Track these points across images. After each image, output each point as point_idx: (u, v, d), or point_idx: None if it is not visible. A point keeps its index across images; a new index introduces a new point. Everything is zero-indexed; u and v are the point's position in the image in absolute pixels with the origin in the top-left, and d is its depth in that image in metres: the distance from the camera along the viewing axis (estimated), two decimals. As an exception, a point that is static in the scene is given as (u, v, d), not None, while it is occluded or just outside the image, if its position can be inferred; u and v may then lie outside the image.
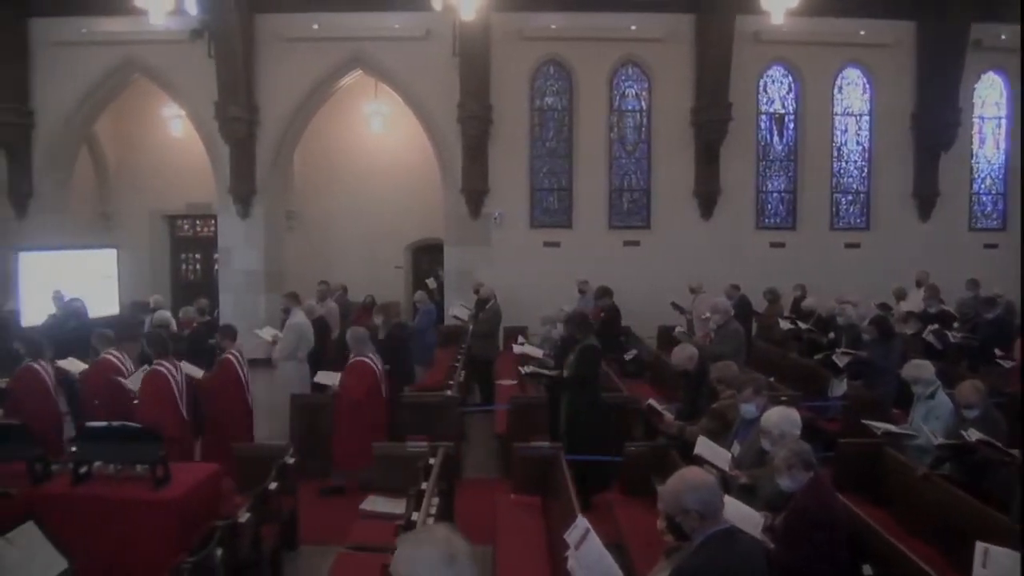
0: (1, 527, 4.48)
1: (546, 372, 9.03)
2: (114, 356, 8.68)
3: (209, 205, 17.63)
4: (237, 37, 15.21)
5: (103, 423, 6.76)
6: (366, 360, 8.78)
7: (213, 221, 17.89)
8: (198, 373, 8.86)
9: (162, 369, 7.85)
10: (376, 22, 15.62)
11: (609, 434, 8.14)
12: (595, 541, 4.28)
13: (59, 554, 4.48)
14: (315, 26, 15.69)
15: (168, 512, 5.99)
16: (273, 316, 14.59)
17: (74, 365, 9.33)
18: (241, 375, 8.98)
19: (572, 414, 8.12)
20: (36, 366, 8.41)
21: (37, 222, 16.39)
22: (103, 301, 14.95)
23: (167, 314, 11.32)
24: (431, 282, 16.85)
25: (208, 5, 14.82)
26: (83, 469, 6.23)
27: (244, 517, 5.69)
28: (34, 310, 13.59)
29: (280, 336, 10.84)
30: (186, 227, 20.73)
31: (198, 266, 20.77)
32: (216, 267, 18.12)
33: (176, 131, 18.99)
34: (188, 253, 20.85)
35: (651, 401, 7.92)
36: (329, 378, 9.08)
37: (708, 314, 10.20)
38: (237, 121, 15.53)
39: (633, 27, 15.71)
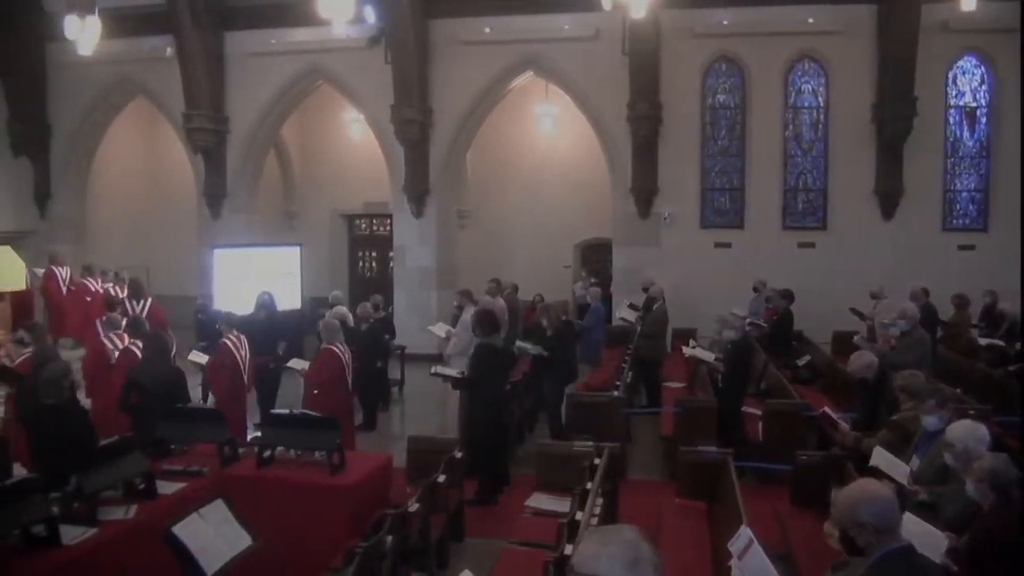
0: (195, 503, 4.83)
1: (448, 372, 9.21)
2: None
3: (385, 205, 18.32)
4: (412, 43, 15.76)
5: (285, 411, 7.21)
6: (334, 349, 9.19)
7: (389, 220, 18.57)
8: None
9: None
10: (546, 24, 15.77)
11: (505, 434, 8.38)
12: (759, 552, 4.19)
13: (244, 531, 4.78)
14: (487, 30, 16.02)
15: (342, 498, 6.31)
16: (444, 312, 15.01)
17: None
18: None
19: (469, 414, 8.44)
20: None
21: (230, 221, 17.59)
22: (287, 296, 15.80)
23: (344, 309, 11.83)
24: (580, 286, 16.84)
25: (385, 13, 15.48)
26: (267, 453, 6.66)
27: (414, 507, 5.91)
28: (225, 302, 14.54)
29: (453, 332, 11.13)
30: (363, 226, 21.68)
31: (374, 263, 21.68)
32: (391, 264, 18.81)
33: (355, 134, 19.96)
34: (365, 251, 21.80)
35: (826, 409, 7.64)
36: (299, 364, 9.70)
37: (891, 320, 9.75)
38: (412, 123, 16.07)
39: (810, 20, 15.14)
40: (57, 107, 18.23)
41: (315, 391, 9.03)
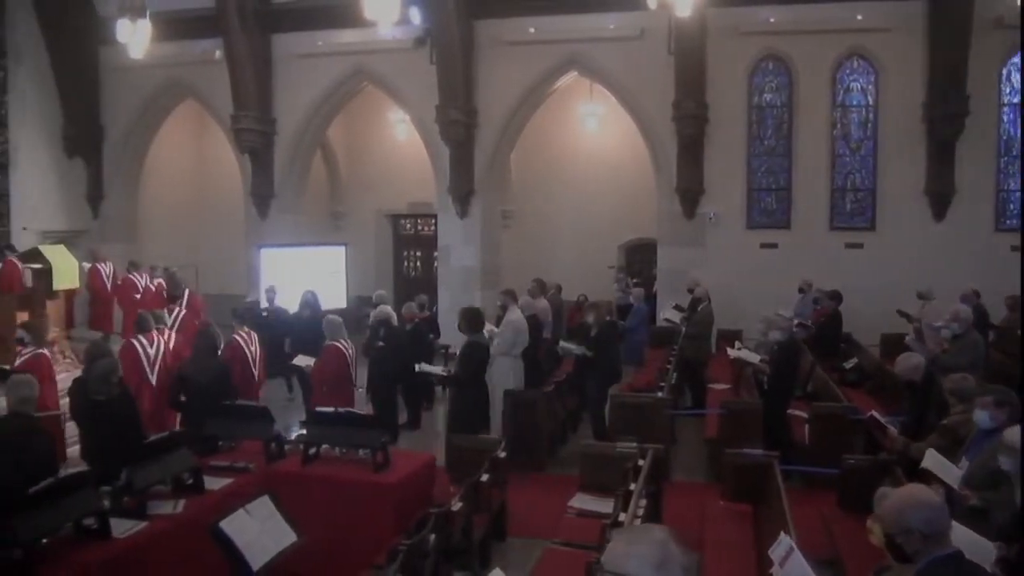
0: (241, 499, 4.90)
1: (432, 370, 9.36)
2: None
3: (430, 205, 18.41)
4: (457, 43, 15.82)
5: (330, 409, 7.28)
6: (338, 345, 9.31)
7: (433, 220, 18.64)
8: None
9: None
10: (591, 23, 15.71)
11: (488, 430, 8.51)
12: (800, 560, 4.14)
13: (289, 528, 4.84)
14: (532, 30, 16.02)
15: (386, 496, 6.36)
16: (488, 312, 14.99)
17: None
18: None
19: (455, 410, 8.63)
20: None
21: (277, 221, 17.81)
22: (333, 295, 15.94)
23: (389, 308, 11.91)
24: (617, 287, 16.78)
25: (430, 14, 15.57)
26: (312, 451, 6.73)
27: (457, 506, 5.93)
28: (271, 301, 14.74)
29: (496, 332, 11.15)
30: (408, 226, 21.80)
31: (419, 263, 21.78)
32: (435, 264, 18.90)
33: (400, 135, 20.07)
34: (410, 250, 21.92)
35: (874, 413, 7.53)
36: (304, 360, 9.99)
37: (942, 322, 9.58)
38: (456, 124, 16.12)
39: (859, 17, 14.90)
40: (109, 110, 18.63)
41: (322, 387, 9.28)
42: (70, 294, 14.11)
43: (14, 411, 6.04)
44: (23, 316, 11.02)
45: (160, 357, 9.26)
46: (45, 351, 9.06)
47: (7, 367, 8.71)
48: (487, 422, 8.87)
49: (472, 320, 8.80)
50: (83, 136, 18.30)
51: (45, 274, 12.71)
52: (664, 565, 2.26)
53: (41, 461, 5.85)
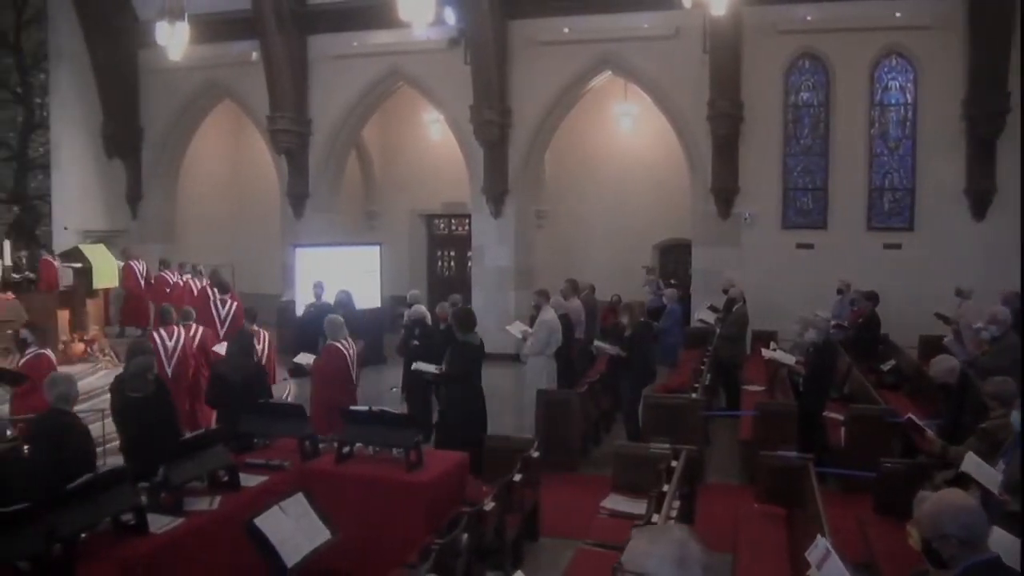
0: (276, 496, 4.94)
1: (426, 368, 9.29)
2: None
3: (464, 205, 18.45)
4: (491, 44, 15.87)
5: (365, 408, 7.33)
6: (338, 344, 9.34)
7: (467, 220, 18.69)
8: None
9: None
10: (626, 23, 15.67)
11: (478, 431, 8.44)
12: (837, 563, 4.09)
13: (323, 525, 4.87)
14: (566, 30, 16.01)
15: (419, 495, 6.37)
16: (522, 312, 15.05)
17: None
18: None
19: (445, 409, 8.75)
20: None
21: (312, 221, 17.99)
22: (367, 294, 16.04)
23: (423, 308, 11.95)
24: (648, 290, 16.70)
25: (465, 15, 15.63)
26: (346, 449, 6.78)
27: (489, 505, 5.94)
28: (307, 301, 14.87)
29: (530, 332, 11.14)
30: (442, 226, 21.87)
31: (452, 263, 21.83)
32: (469, 264, 18.95)
33: (435, 135, 20.16)
34: (444, 250, 21.97)
35: (911, 416, 7.43)
36: (305, 358, 10.00)
37: (981, 323, 9.43)
38: (491, 124, 16.17)
39: (898, 14, 14.69)
40: (148, 111, 18.93)
41: (320, 384, 9.39)
42: (107, 293, 14.36)
43: (54, 408, 6.17)
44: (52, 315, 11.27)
45: (179, 349, 9.83)
46: (47, 351, 9.19)
47: (7, 367, 8.90)
48: (483, 422, 8.86)
49: (464, 321, 8.89)
50: (122, 137, 18.65)
51: (85, 273, 12.90)
52: (684, 563, 2.26)
53: (80, 457, 5.96)
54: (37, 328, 9.53)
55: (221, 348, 10.52)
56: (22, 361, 8.91)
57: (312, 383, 9.75)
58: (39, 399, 7.86)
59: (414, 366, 9.81)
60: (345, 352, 9.40)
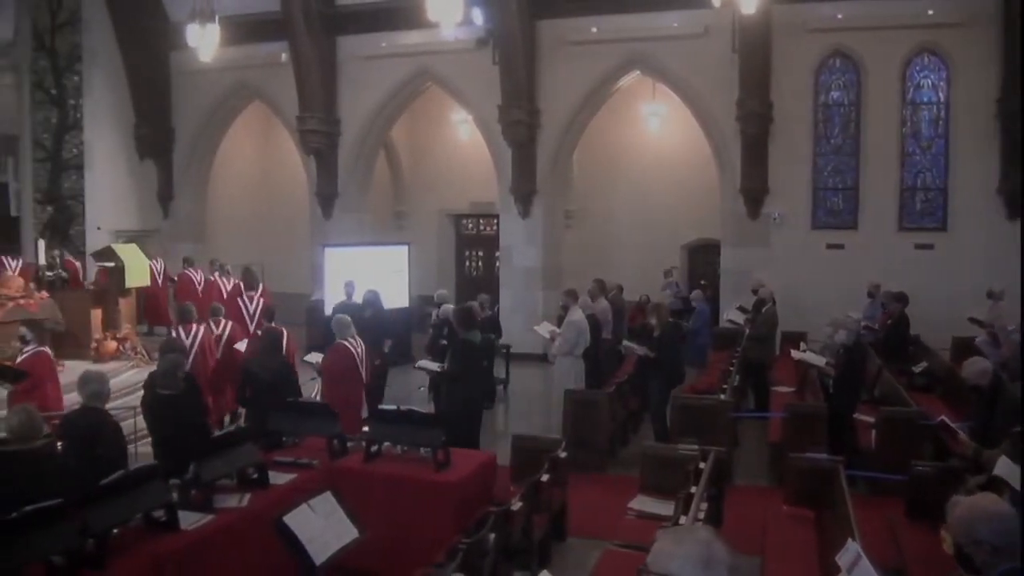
0: (305, 494, 4.98)
1: (429, 366, 9.54)
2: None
3: (492, 205, 18.48)
4: (519, 44, 15.87)
5: (393, 407, 7.36)
6: (346, 343, 9.45)
7: (495, 220, 18.70)
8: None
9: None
10: (654, 22, 15.59)
11: (476, 429, 8.67)
12: (868, 567, 4.06)
13: (351, 524, 4.89)
14: (594, 29, 15.97)
15: (447, 494, 6.39)
16: (550, 312, 15.04)
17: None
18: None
19: (446, 407, 8.75)
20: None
21: (340, 221, 18.12)
22: (395, 294, 16.09)
23: (451, 307, 11.99)
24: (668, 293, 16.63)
25: (493, 15, 15.64)
26: (374, 448, 6.81)
27: (517, 505, 5.94)
28: (335, 300, 14.93)
29: (558, 332, 11.14)
30: (470, 226, 21.90)
31: (480, 263, 21.86)
32: (497, 264, 18.96)
33: (463, 135, 20.21)
34: (472, 250, 22.01)
35: (943, 418, 7.34)
36: (314, 358, 10.23)
37: (1014, 326, 9.31)
38: (519, 124, 16.18)
39: (930, 12, 14.48)
40: (180, 112, 19.15)
41: (329, 383, 9.48)
42: (138, 292, 14.52)
43: (86, 406, 6.25)
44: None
45: (196, 345, 10.27)
46: (46, 349, 9.33)
47: (8, 364, 9.00)
48: (478, 420, 8.98)
49: (464, 319, 8.95)
50: (154, 138, 18.89)
51: (118, 272, 13.06)
52: (709, 564, 2.25)
53: (112, 454, 6.04)
54: (36, 326, 9.81)
55: (242, 345, 10.68)
56: (21, 358, 9.03)
57: (322, 382, 9.86)
58: (39, 396, 8.09)
59: (417, 364, 9.89)
60: (353, 351, 9.48)
